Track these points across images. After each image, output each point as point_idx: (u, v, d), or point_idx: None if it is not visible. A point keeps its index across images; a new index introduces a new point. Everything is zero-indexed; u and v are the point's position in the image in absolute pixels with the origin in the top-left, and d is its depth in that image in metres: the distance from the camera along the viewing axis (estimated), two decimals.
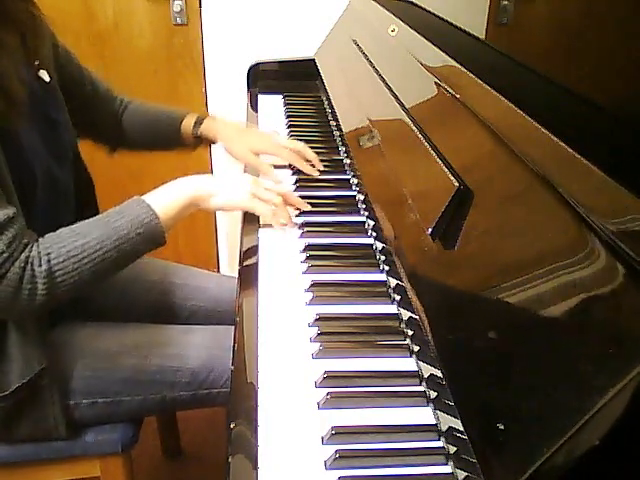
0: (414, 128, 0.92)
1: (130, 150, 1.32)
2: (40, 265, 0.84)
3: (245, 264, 0.96)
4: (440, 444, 0.64)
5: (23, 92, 0.91)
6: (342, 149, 1.33)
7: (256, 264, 0.95)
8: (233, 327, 0.84)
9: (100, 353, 1.03)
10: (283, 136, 1.36)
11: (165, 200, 0.94)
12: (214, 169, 2.15)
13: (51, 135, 1.03)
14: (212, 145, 1.31)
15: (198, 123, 1.25)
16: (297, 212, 1.07)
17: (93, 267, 0.87)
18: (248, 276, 0.93)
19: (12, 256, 0.82)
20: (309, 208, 1.06)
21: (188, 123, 1.25)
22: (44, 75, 1.03)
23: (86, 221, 0.91)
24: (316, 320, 0.81)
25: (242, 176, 1.08)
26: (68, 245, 0.86)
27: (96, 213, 0.94)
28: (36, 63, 1.02)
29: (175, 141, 1.28)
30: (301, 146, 1.23)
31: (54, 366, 0.97)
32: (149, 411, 1.08)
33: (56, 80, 1.07)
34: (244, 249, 1.00)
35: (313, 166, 1.21)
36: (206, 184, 0.98)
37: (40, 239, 0.87)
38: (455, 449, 0.61)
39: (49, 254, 0.85)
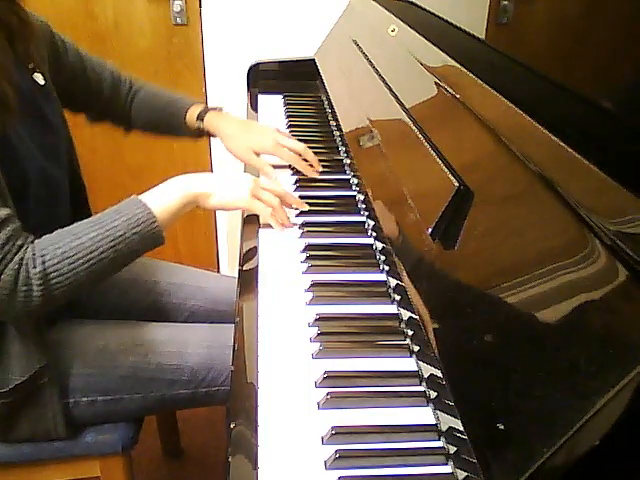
0: (414, 128, 0.92)
1: (142, 132, 1.35)
2: (35, 267, 0.83)
3: (245, 264, 0.97)
4: (440, 444, 0.64)
5: (13, 94, 0.90)
6: (342, 149, 1.33)
7: (256, 264, 0.95)
8: (232, 325, 0.84)
9: (99, 351, 1.03)
10: (285, 132, 1.35)
11: (162, 199, 0.93)
12: (214, 166, 2.15)
13: (46, 137, 1.03)
14: (212, 140, 1.33)
15: (201, 116, 1.26)
16: (297, 212, 1.07)
17: (89, 268, 0.86)
18: (248, 276, 0.93)
19: (5, 258, 0.82)
20: (307, 208, 1.06)
21: (192, 114, 1.27)
22: (38, 78, 1.03)
23: (83, 221, 0.90)
24: (316, 320, 0.81)
25: (242, 175, 1.07)
26: (63, 246, 0.85)
27: (90, 215, 0.93)
28: (30, 66, 1.02)
29: (179, 130, 1.30)
30: (302, 147, 1.22)
31: (53, 364, 0.97)
32: (149, 410, 1.08)
33: (51, 83, 1.07)
34: (244, 249, 1.00)
35: (312, 166, 1.21)
36: (205, 183, 0.97)
37: (36, 241, 0.86)
38: (455, 449, 0.61)
39: (44, 256, 0.84)
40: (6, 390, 0.93)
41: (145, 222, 0.89)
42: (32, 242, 0.86)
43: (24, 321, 0.91)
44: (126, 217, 0.88)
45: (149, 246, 0.92)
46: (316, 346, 0.77)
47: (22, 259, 0.83)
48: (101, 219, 0.89)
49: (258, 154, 1.23)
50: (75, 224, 0.90)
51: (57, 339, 1.01)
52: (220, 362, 1.04)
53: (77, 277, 0.86)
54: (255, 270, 0.93)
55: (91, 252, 0.86)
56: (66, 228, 0.89)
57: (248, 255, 0.98)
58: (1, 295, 0.82)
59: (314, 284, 0.88)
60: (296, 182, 1.18)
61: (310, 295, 0.86)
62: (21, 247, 0.84)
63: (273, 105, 1.61)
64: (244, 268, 0.96)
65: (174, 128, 1.30)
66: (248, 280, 0.92)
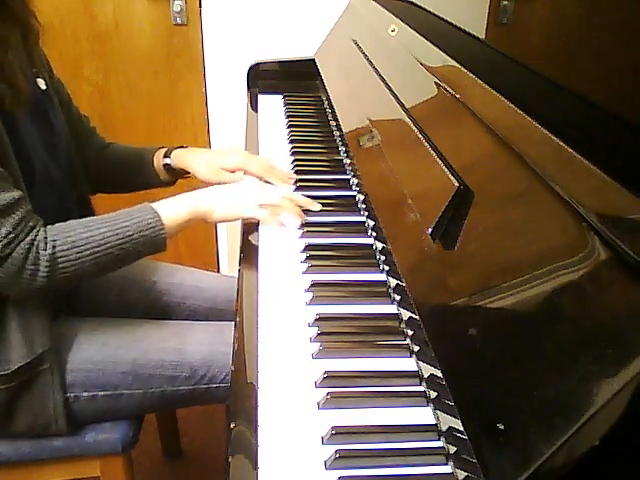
0: (414, 128, 0.92)
1: (109, 191, 1.31)
2: (45, 249, 0.89)
3: (245, 264, 0.97)
4: (440, 444, 0.64)
5: (27, 86, 0.95)
6: (342, 149, 1.33)
7: (256, 264, 0.95)
8: (233, 323, 0.84)
9: (100, 346, 1.04)
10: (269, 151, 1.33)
11: (172, 210, 0.98)
12: None
13: (48, 136, 1.06)
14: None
15: (168, 154, 1.24)
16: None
17: (94, 260, 0.92)
18: (248, 276, 0.93)
19: (18, 237, 0.87)
20: (319, 207, 1.06)
21: (159, 155, 1.25)
22: (40, 83, 1.07)
23: (96, 217, 0.96)
24: (316, 320, 0.81)
25: (247, 183, 1.09)
26: (74, 235, 0.91)
27: (92, 212, 0.96)
28: (34, 70, 1.05)
29: (150, 175, 1.26)
30: (269, 159, 1.21)
31: (54, 357, 0.98)
32: (149, 407, 1.08)
33: (52, 88, 1.10)
34: (244, 249, 1.01)
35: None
36: (208, 198, 1.01)
37: (49, 226, 0.92)
38: (455, 449, 0.61)
39: (55, 240, 0.90)
40: (7, 373, 0.94)
41: (154, 228, 0.95)
42: (43, 225, 0.91)
43: (24, 296, 0.94)
44: (137, 220, 0.95)
45: (151, 250, 0.98)
46: (316, 346, 0.77)
47: (33, 240, 0.89)
48: (113, 218, 0.95)
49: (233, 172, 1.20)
50: (88, 218, 0.95)
51: (58, 334, 1.02)
52: (220, 359, 1.05)
53: (82, 266, 0.91)
54: (255, 270, 0.93)
55: (99, 245, 0.92)
56: (79, 220, 0.94)
57: (248, 255, 0.98)
58: (9, 270, 0.88)
59: (314, 284, 0.88)
60: (296, 182, 1.18)
61: (310, 295, 0.86)
62: (33, 228, 0.89)
63: (273, 105, 1.61)
64: (244, 268, 0.96)
65: (143, 173, 1.26)
66: (248, 280, 0.92)
